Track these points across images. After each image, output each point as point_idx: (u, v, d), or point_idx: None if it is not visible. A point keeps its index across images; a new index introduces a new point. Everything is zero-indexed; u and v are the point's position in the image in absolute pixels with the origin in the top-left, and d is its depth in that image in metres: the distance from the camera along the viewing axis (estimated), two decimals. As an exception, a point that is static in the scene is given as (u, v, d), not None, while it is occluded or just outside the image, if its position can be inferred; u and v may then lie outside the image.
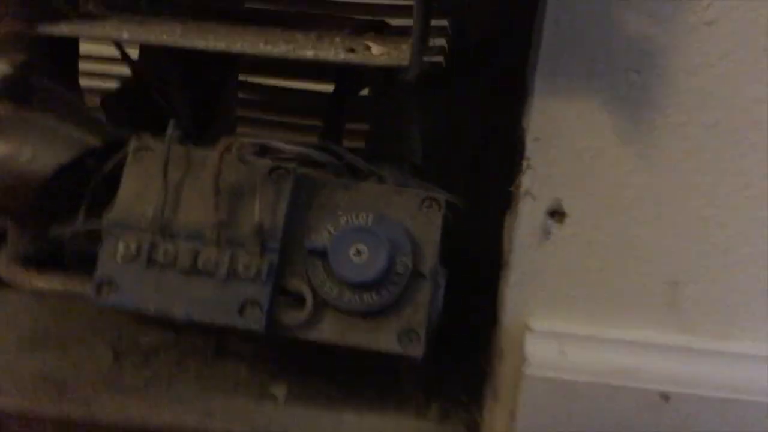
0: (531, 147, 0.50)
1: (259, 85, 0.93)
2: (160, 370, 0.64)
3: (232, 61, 0.83)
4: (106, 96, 0.69)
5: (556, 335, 0.52)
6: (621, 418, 0.51)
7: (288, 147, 0.47)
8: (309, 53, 0.43)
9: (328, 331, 0.47)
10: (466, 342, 0.62)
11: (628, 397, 0.51)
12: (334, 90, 0.80)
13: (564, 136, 0.49)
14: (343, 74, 0.81)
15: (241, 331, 0.46)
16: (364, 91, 0.80)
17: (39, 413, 0.61)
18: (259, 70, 0.93)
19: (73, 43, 0.52)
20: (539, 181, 0.50)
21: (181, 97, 0.62)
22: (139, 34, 0.44)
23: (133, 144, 0.48)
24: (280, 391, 0.62)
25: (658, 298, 0.51)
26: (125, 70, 0.84)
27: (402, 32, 0.61)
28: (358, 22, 0.67)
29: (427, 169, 0.59)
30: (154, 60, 0.68)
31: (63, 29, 0.45)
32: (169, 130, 0.47)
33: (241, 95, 0.95)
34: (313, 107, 0.97)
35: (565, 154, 0.50)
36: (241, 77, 0.93)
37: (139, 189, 0.47)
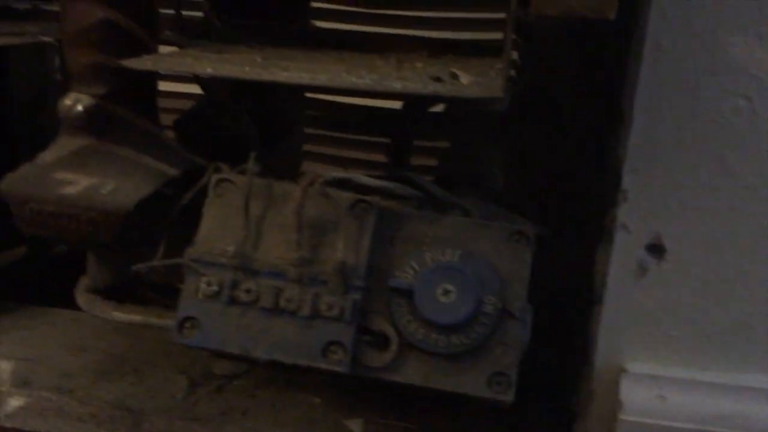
0: (628, 179, 0.47)
1: (325, 102, 0.93)
2: (234, 400, 0.63)
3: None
4: (177, 118, 0.69)
5: (654, 378, 0.49)
6: (726, 468, 0.47)
7: (371, 181, 0.45)
8: (397, 86, 0.41)
9: (414, 373, 0.45)
10: (547, 380, 0.59)
11: (733, 446, 0.47)
12: (403, 107, 0.78)
13: (664, 168, 0.46)
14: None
15: (325, 372, 0.44)
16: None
17: (115, 441, 0.60)
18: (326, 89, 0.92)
19: (152, 76, 0.51)
20: (637, 214, 0.47)
21: (252, 117, 0.61)
22: (223, 68, 0.43)
23: (214, 178, 0.47)
24: (356, 426, 0.60)
25: (764, 337, 0.48)
26: (193, 88, 0.85)
27: (478, 52, 0.59)
28: (430, 41, 0.66)
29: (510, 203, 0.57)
30: (224, 81, 0.67)
31: (147, 64, 0.44)
32: (251, 164, 0.46)
33: (306, 112, 0.94)
34: (379, 124, 0.95)
35: (665, 186, 0.46)
36: (307, 94, 0.92)
37: (220, 224, 0.46)
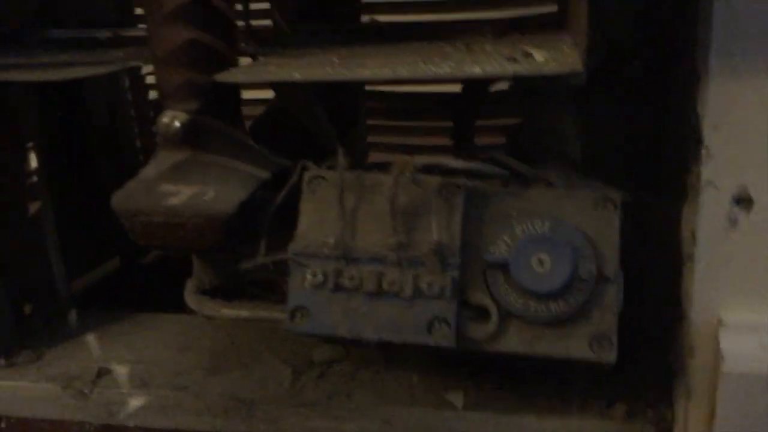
0: (709, 134, 0.47)
1: (384, 93, 0.95)
2: (337, 384, 0.66)
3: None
4: (254, 122, 0.72)
5: (753, 327, 0.49)
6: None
7: (457, 163, 0.47)
8: (476, 70, 0.43)
9: (516, 342, 0.47)
10: (644, 340, 0.60)
11: (840, 388, 0.47)
12: (463, 89, 0.80)
13: (745, 120, 0.46)
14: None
15: (431, 347, 0.46)
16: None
17: (231, 431, 0.64)
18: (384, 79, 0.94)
19: (237, 87, 0.54)
20: (721, 169, 0.48)
21: (324, 116, 0.64)
22: (308, 73, 0.46)
23: (307, 176, 0.49)
24: (457, 398, 0.62)
25: None
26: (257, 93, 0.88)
27: (539, 28, 0.59)
28: (490, 22, 0.67)
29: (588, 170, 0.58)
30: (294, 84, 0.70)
31: (239, 76, 0.47)
32: (340, 158, 0.49)
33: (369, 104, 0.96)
34: (438, 109, 0.97)
35: (747, 139, 0.47)
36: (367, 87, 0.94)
37: (318, 218, 0.49)
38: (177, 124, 0.48)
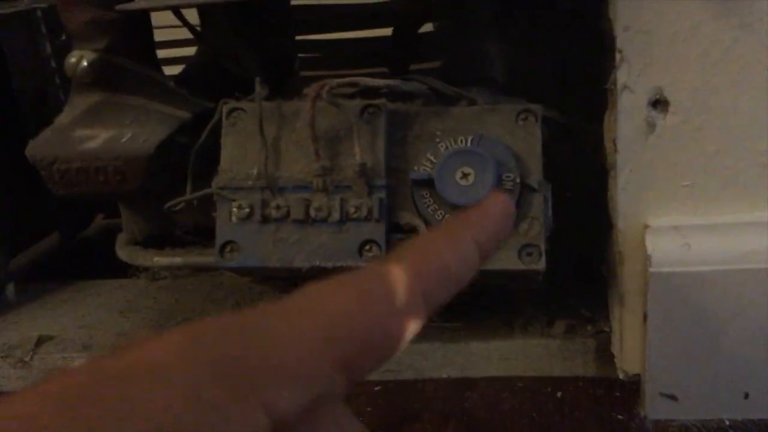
0: (621, 38, 0.47)
1: (319, 42, 0.93)
2: (283, 329, 0.65)
3: (289, 20, 0.83)
4: (177, 75, 0.71)
5: (677, 228, 0.50)
6: (755, 300, 0.49)
7: (376, 81, 0.47)
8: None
9: (447, 258, 0.47)
10: (582, 257, 0.61)
11: (760, 279, 0.49)
12: (394, 31, 0.79)
13: (655, 20, 0.47)
14: (403, 13, 0.80)
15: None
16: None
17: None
18: (315, 27, 0.93)
19: (147, 23, 0.53)
20: (635, 72, 0.48)
21: (252, 59, 0.63)
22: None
23: (225, 108, 0.48)
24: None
25: (781, 173, 0.49)
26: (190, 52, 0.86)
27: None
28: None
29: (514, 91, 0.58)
30: (218, 29, 0.69)
31: (140, 3, 0.45)
32: (257, 88, 0.48)
33: (301, 55, 0.95)
34: (376, 54, 0.96)
35: (658, 39, 0.47)
36: (298, 38, 0.93)
37: (239, 150, 0.48)
38: (84, 63, 0.47)
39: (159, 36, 0.80)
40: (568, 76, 0.68)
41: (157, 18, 0.71)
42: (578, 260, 0.65)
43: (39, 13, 0.75)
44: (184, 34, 0.76)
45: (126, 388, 0.24)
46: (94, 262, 0.86)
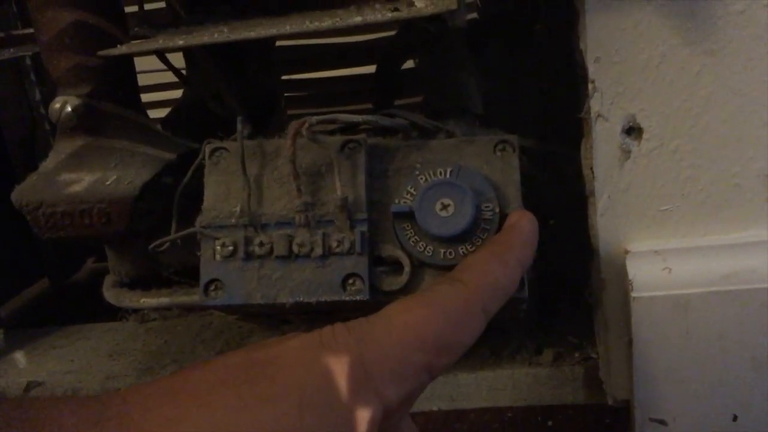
0: (593, 68, 0.49)
1: (304, 81, 0.95)
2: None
3: (272, 60, 0.84)
4: (164, 118, 0.72)
5: (657, 253, 0.51)
6: (738, 322, 0.50)
7: (355, 117, 0.48)
8: (356, 19, 0.43)
9: (430, 289, 0.48)
10: (570, 287, 0.62)
11: (743, 301, 0.49)
12: (378, 68, 0.81)
13: (625, 50, 0.48)
14: (385, 50, 0.82)
15: (347, 304, 0.47)
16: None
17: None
18: (300, 66, 0.94)
19: (130, 67, 0.54)
20: (608, 100, 0.49)
21: (236, 101, 0.64)
22: (192, 39, 0.45)
23: (208, 148, 0.49)
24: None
25: (756, 194, 0.50)
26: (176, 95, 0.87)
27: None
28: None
29: (492, 122, 0.59)
30: (202, 71, 0.70)
31: (121, 49, 0.46)
32: (239, 127, 0.49)
33: (287, 94, 0.97)
34: (359, 91, 0.98)
35: (629, 68, 0.49)
36: (285, 77, 0.95)
37: (222, 189, 0.49)
38: (68, 108, 0.48)
39: (145, 80, 0.82)
40: (548, 104, 0.69)
41: (142, 62, 0.72)
42: (565, 287, 0.66)
43: (28, 60, 0.76)
44: (170, 77, 0.77)
45: (275, 372, 0.32)
46: (85, 307, 0.86)
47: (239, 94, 0.69)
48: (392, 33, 0.84)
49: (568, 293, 0.66)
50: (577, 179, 0.56)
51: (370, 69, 0.85)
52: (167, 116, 0.72)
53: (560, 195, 0.62)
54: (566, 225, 0.61)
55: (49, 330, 0.80)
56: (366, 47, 0.90)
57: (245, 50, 0.76)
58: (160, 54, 0.61)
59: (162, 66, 0.64)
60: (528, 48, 0.68)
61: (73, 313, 0.87)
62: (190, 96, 0.73)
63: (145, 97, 0.92)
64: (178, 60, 0.72)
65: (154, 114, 0.85)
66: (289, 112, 0.99)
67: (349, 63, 0.92)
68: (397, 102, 0.86)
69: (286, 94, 0.95)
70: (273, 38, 0.84)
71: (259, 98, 0.79)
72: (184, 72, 0.70)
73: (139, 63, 0.63)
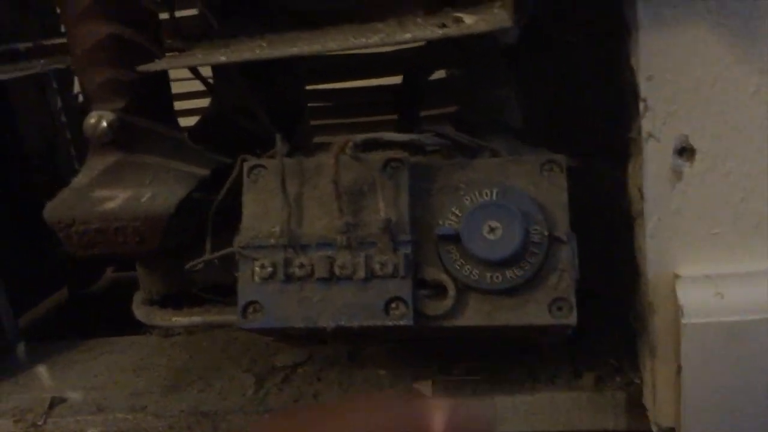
0: (645, 87, 0.47)
1: (327, 91, 0.94)
2: (302, 386, 0.64)
3: (298, 71, 0.83)
4: (191, 128, 0.70)
5: (708, 278, 0.49)
6: (793, 350, 0.48)
7: (398, 136, 0.46)
8: (405, 36, 0.42)
9: (475, 314, 0.46)
10: (608, 307, 0.60)
11: (798, 328, 0.48)
12: (404, 79, 0.79)
13: (678, 69, 0.47)
14: (413, 62, 0.80)
15: (390, 328, 0.45)
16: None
17: (197, 448, 0.62)
18: (324, 76, 0.93)
19: (165, 81, 0.53)
20: (660, 120, 0.48)
21: (265, 115, 0.62)
22: (233, 55, 0.44)
23: (246, 166, 0.48)
24: (425, 387, 0.61)
25: (811, 218, 0.48)
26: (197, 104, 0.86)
27: (474, 2, 0.59)
28: (423, 1, 0.66)
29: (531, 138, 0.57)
30: (230, 84, 0.69)
31: (162, 64, 0.45)
32: (278, 144, 0.47)
33: (311, 105, 0.95)
34: (383, 102, 0.96)
35: (683, 88, 0.47)
36: (309, 88, 0.93)
37: (261, 208, 0.47)
38: (104, 124, 0.47)
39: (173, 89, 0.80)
40: (587, 119, 0.67)
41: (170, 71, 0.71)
42: (598, 306, 0.64)
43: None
44: (192, 86, 0.76)
45: None
46: (105, 317, 0.85)
47: (265, 105, 0.68)
48: (418, 44, 0.82)
49: (602, 313, 0.64)
50: (615, 197, 0.54)
51: (395, 80, 0.84)
52: (194, 127, 0.71)
53: (595, 211, 0.61)
54: (601, 242, 0.60)
55: (71, 344, 0.78)
56: (391, 58, 0.88)
57: (273, 62, 0.75)
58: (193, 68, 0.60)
59: (186, 75, 0.62)
60: (550, 57, 0.66)
61: (93, 323, 0.86)
62: (217, 107, 0.72)
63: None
64: (206, 70, 0.71)
65: (183, 122, 0.84)
66: (313, 122, 0.97)
67: (373, 73, 0.90)
68: (423, 113, 0.84)
69: (309, 104, 0.93)
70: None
71: (284, 108, 0.77)
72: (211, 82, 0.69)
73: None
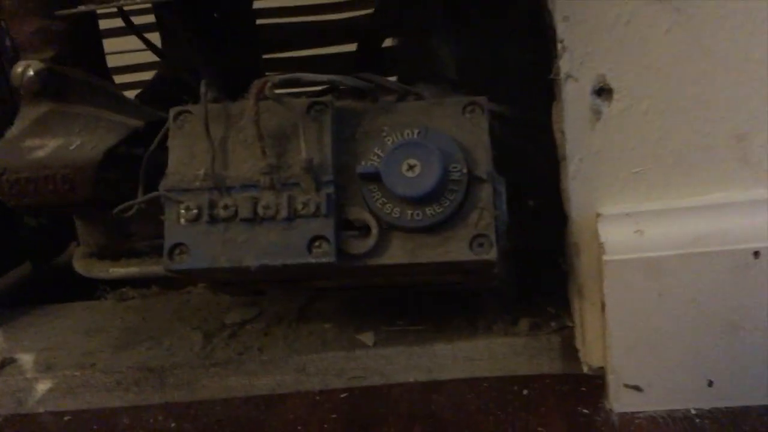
0: (561, 28, 0.48)
1: (285, 60, 0.94)
2: (249, 341, 0.65)
3: (253, 39, 0.84)
4: (140, 92, 0.71)
5: (629, 216, 0.50)
6: (711, 284, 0.49)
7: (320, 77, 0.47)
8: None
9: (398, 252, 0.47)
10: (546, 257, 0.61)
11: (716, 263, 0.49)
12: (359, 45, 0.80)
13: (593, 9, 0.48)
14: (364, 29, 0.81)
15: (313, 267, 0.46)
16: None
17: (145, 403, 0.63)
18: (280, 45, 0.94)
19: (95, 32, 0.53)
20: (578, 61, 0.49)
21: (211, 72, 0.63)
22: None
23: (172, 111, 0.48)
24: (368, 338, 0.62)
25: (728, 155, 0.49)
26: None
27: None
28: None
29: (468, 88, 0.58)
30: (178, 46, 0.69)
31: (80, 8, 0.46)
32: (203, 89, 0.48)
33: (268, 74, 0.96)
34: (340, 70, 0.97)
35: (598, 27, 0.48)
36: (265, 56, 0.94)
37: (187, 152, 0.48)
38: (30, 72, 0.47)
39: (121, 61, 0.81)
40: (530, 71, 0.68)
41: (117, 43, 0.72)
42: (545, 261, 0.65)
43: (3, 24, 0.74)
44: (146, 58, 0.77)
45: None
46: (68, 289, 0.86)
47: (220, 73, 0.69)
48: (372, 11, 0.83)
49: (548, 267, 0.65)
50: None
51: (351, 47, 0.85)
52: (143, 90, 0.71)
53: (544, 166, 0.62)
54: (550, 197, 0.61)
55: (28, 309, 0.79)
56: (346, 25, 0.89)
57: (226, 28, 0.76)
58: (137, 31, 0.60)
59: (141, 46, 0.63)
60: (511, 14, 0.67)
61: (56, 295, 0.87)
62: (167, 71, 0.73)
63: (123, 78, 0.92)
64: (155, 39, 0.72)
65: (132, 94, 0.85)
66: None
67: (329, 41, 0.91)
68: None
69: (267, 74, 0.94)
70: (252, 12, 0.84)
71: (240, 78, 0.78)
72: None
73: (117, 43, 0.62)
